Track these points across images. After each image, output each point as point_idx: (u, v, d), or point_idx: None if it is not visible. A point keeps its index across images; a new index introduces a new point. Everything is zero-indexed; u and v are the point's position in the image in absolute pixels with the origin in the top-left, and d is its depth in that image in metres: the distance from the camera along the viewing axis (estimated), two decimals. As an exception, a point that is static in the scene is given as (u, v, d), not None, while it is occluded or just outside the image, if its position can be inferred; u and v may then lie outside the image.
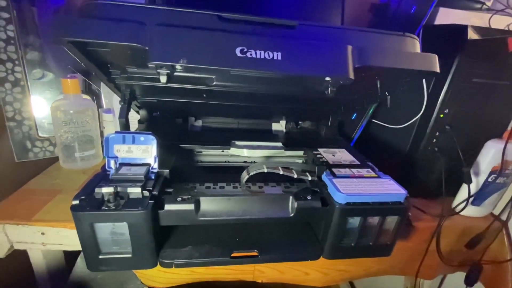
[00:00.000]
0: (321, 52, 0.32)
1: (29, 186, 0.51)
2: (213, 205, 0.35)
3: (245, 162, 0.48)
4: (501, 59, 0.48)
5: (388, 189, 0.36)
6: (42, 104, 0.59)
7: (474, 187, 0.50)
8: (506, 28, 0.57)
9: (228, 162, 0.49)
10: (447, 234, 0.51)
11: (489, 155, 0.48)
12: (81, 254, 0.54)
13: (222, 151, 0.48)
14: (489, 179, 0.49)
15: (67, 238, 0.42)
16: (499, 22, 0.57)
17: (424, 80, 0.51)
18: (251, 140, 0.49)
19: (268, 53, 0.30)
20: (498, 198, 0.53)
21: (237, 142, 0.48)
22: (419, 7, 0.56)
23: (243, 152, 0.46)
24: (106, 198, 0.30)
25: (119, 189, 0.32)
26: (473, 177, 0.49)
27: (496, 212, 0.55)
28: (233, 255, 0.37)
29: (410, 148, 0.55)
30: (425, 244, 0.51)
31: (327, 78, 0.33)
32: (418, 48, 0.37)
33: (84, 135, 0.55)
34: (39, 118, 0.58)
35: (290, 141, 0.51)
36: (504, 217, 0.53)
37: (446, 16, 0.56)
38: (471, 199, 0.50)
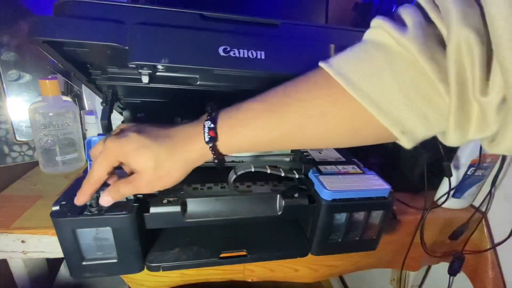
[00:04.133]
0: (304, 50, 0.32)
1: (8, 192, 0.49)
2: (200, 206, 0.35)
3: (233, 161, 0.48)
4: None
5: (372, 184, 0.37)
6: (20, 106, 0.56)
7: (454, 180, 0.52)
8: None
9: (216, 162, 0.48)
10: (430, 226, 0.53)
11: (468, 149, 0.50)
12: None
13: (209, 151, 0.47)
14: (469, 172, 0.51)
15: (49, 246, 0.40)
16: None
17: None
18: (238, 140, 0.48)
19: (251, 52, 0.30)
20: (477, 190, 0.55)
21: (224, 142, 0.47)
22: (399, 6, 0.57)
23: (230, 152, 0.46)
24: (88, 203, 0.30)
25: (101, 193, 0.31)
26: (453, 171, 0.50)
27: (476, 203, 0.57)
28: (221, 255, 0.36)
29: (393, 144, 0.56)
30: (410, 237, 0.52)
31: (311, 77, 0.33)
32: (398, 46, 0.37)
33: (65, 138, 0.54)
34: (16, 121, 0.56)
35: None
36: (483, 209, 0.56)
37: (425, 15, 0.57)
38: (452, 192, 0.52)
